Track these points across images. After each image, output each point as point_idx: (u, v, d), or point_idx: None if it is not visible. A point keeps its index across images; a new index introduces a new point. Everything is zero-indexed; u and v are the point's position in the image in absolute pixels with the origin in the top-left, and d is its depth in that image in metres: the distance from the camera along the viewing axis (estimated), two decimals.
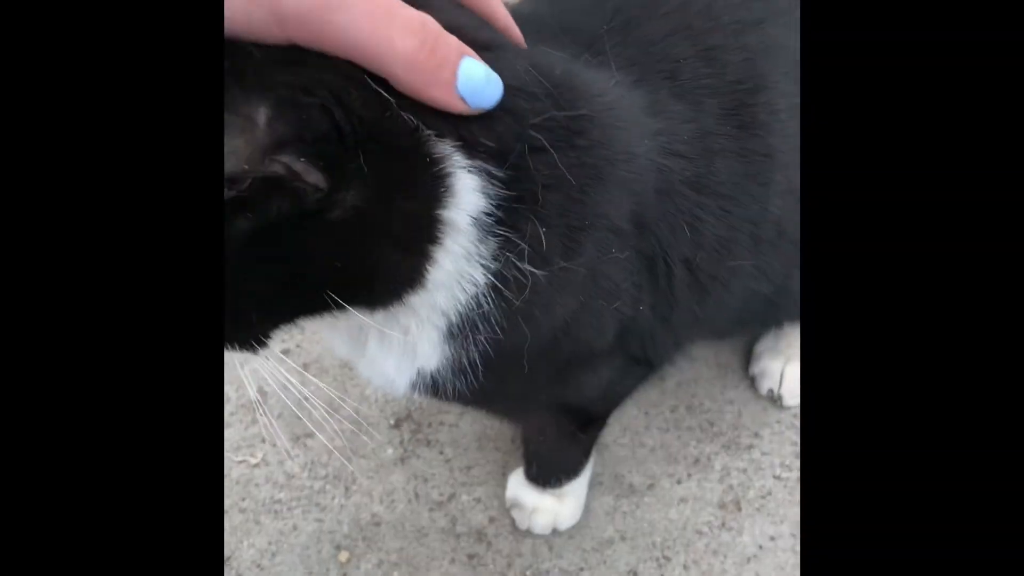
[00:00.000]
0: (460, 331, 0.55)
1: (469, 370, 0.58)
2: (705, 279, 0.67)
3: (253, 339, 0.52)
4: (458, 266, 0.51)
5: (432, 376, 0.60)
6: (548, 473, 0.97)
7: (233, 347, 0.51)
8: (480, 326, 0.54)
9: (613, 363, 0.72)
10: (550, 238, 0.52)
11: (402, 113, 0.44)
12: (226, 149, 0.39)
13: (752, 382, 1.12)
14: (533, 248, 0.51)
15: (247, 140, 0.40)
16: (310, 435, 1.08)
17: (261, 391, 1.01)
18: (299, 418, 1.05)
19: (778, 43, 0.69)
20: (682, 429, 1.10)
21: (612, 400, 0.84)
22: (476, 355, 0.56)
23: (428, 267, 0.51)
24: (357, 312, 0.52)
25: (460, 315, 0.54)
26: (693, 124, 0.63)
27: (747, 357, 1.15)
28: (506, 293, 0.53)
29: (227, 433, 1.09)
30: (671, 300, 0.67)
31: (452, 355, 0.57)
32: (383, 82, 0.44)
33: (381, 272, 0.50)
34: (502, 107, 0.47)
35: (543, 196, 0.50)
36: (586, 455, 0.96)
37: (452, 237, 0.50)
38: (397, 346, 0.59)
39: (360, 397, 1.12)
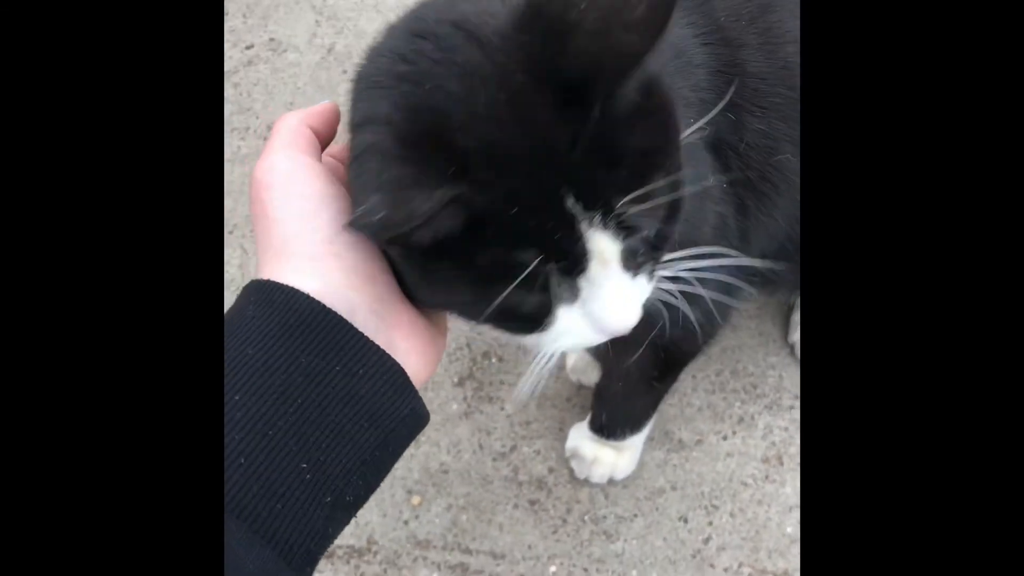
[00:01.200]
0: None
1: None
2: (755, 176, 0.75)
3: None
4: None
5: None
6: (615, 424, 1.03)
7: None
8: None
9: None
10: None
11: None
12: None
13: (791, 350, 1.20)
14: None
15: None
16: None
17: None
18: None
19: None
20: (727, 391, 1.17)
21: (706, 332, 0.87)
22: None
23: None
24: None
25: None
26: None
27: (787, 328, 1.23)
28: None
29: None
30: (740, 193, 0.74)
31: None
32: None
33: None
34: None
35: None
36: (654, 407, 1.03)
37: None
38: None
39: None
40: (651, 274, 0.58)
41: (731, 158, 0.76)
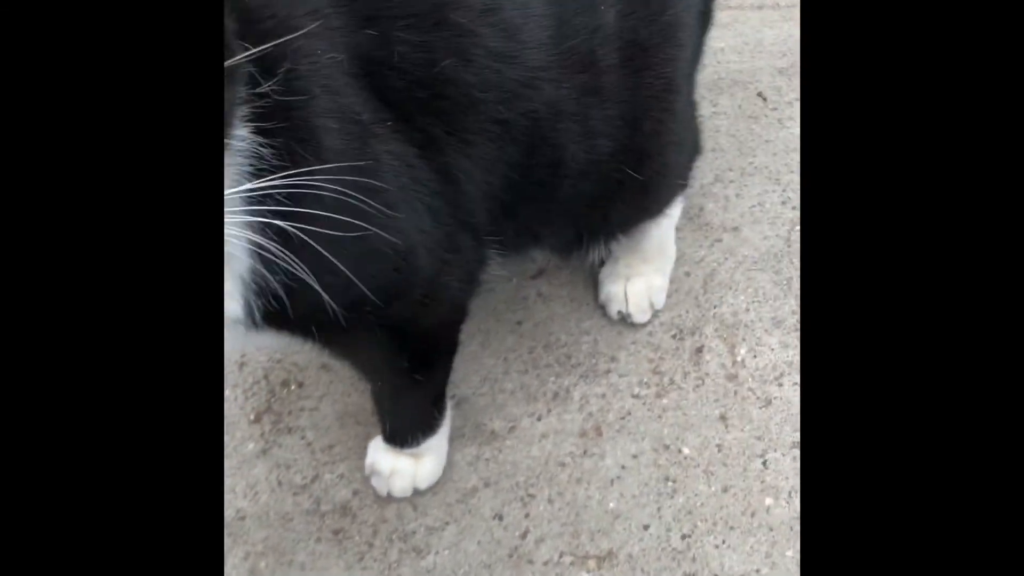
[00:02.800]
0: None
1: None
2: (427, 96, 0.68)
3: None
4: None
5: None
6: (403, 430, 0.94)
7: None
8: None
9: (415, 223, 0.71)
10: None
11: None
12: None
13: (603, 310, 1.10)
14: None
15: None
16: None
17: None
18: None
19: None
20: (540, 367, 1.08)
21: (431, 298, 0.78)
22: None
23: None
24: None
25: None
26: None
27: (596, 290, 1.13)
28: None
29: None
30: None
31: None
32: None
33: None
34: None
35: None
36: (436, 406, 0.94)
37: None
38: None
39: None
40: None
41: (389, 78, 0.68)
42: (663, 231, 1.03)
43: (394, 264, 0.70)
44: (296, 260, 0.59)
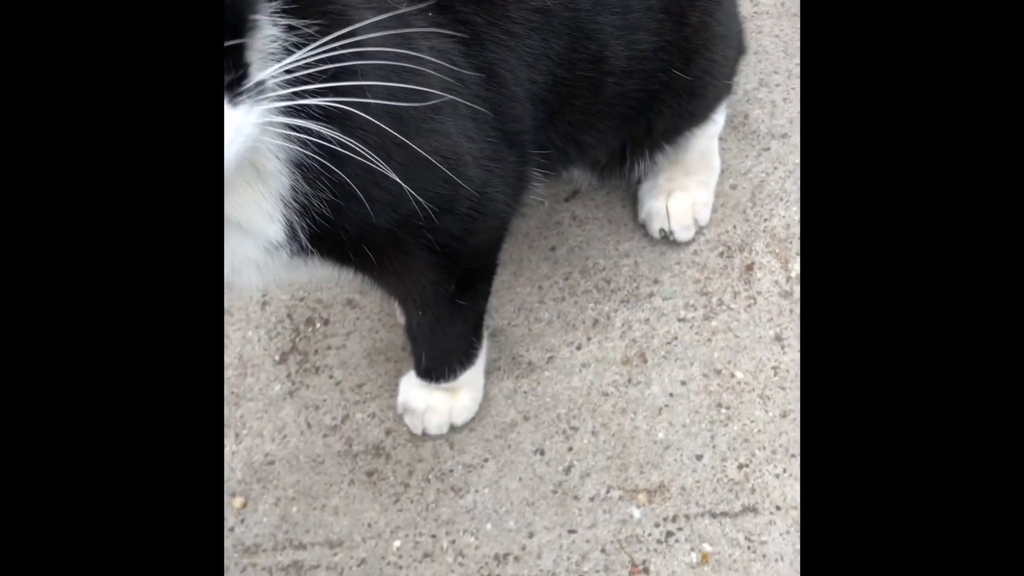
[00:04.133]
0: None
1: None
2: None
3: None
4: None
5: None
6: (440, 363, 0.89)
7: None
8: None
9: (459, 128, 0.66)
10: None
11: None
12: None
13: (645, 230, 1.03)
14: None
15: None
16: None
17: None
18: None
19: None
20: (578, 294, 1.01)
21: (478, 216, 0.74)
22: None
23: None
24: None
25: None
26: None
27: (635, 208, 1.05)
28: None
29: None
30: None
31: None
32: None
33: None
34: None
35: None
36: (475, 333, 0.88)
37: None
38: None
39: (243, 341, 1.06)
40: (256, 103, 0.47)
41: None
42: (707, 140, 0.95)
43: (443, 174, 0.65)
44: (340, 173, 0.55)
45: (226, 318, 1.07)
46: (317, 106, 0.51)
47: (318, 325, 1.05)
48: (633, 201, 1.05)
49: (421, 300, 0.82)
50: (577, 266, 1.03)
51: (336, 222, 0.60)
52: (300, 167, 0.55)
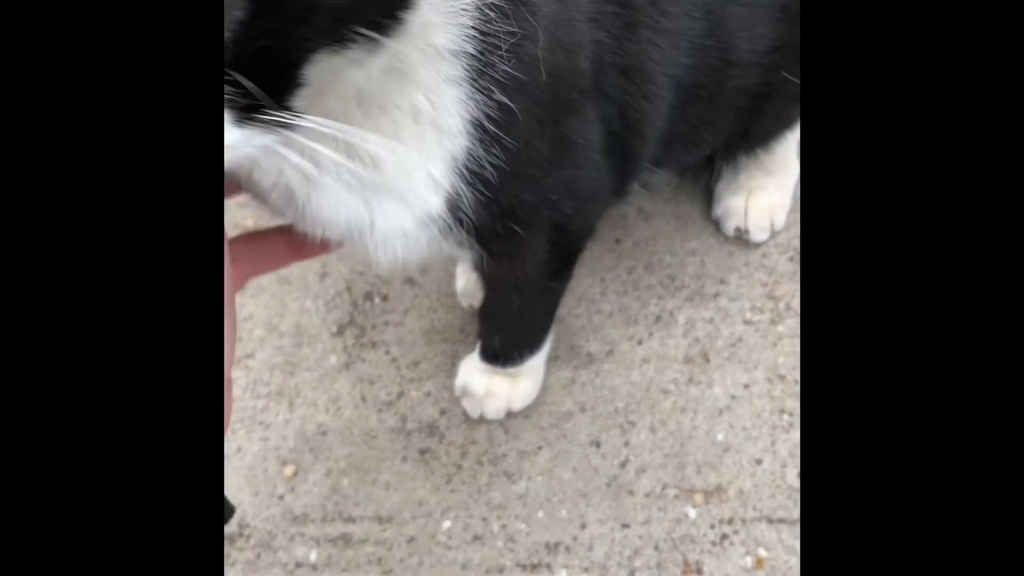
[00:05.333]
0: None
1: None
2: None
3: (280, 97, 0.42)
4: None
5: None
6: (511, 347, 0.87)
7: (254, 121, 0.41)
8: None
9: (595, 116, 0.65)
10: None
11: None
12: None
13: (717, 226, 1.02)
14: None
15: None
16: (250, 355, 1.03)
17: None
18: (239, 340, 1.00)
19: None
20: (641, 289, 1.00)
21: (593, 199, 0.73)
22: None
23: None
24: None
25: None
26: None
27: (707, 208, 1.04)
28: None
29: None
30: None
31: None
32: None
33: None
34: None
35: None
36: (551, 315, 0.87)
37: None
38: None
39: (300, 311, 1.06)
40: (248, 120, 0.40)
41: None
42: (788, 144, 0.94)
43: (580, 155, 0.65)
44: (512, 141, 0.53)
45: (284, 287, 1.07)
46: (503, 71, 0.50)
47: (376, 300, 1.05)
48: (702, 198, 1.04)
49: (523, 279, 0.79)
50: (642, 260, 1.02)
51: (493, 197, 0.58)
52: (479, 128, 0.53)
